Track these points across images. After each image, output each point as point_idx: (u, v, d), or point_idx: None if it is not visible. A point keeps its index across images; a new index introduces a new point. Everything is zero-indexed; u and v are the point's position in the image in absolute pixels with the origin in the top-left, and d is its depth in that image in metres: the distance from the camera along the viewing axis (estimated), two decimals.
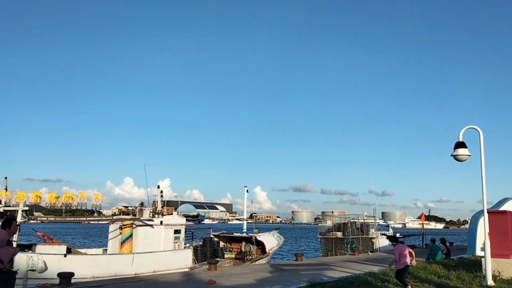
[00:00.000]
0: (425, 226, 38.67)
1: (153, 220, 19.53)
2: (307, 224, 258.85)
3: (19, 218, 16.11)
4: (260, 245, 26.21)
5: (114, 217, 24.88)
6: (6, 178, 18.26)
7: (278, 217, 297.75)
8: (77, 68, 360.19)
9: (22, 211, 16.29)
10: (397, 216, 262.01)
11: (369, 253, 31.36)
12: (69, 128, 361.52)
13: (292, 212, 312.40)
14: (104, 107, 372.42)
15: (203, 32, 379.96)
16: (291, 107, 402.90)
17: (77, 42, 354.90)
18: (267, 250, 25.95)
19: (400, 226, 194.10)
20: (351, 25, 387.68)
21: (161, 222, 19.67)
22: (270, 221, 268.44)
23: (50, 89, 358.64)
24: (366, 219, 39.25)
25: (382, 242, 36.06)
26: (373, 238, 36.18)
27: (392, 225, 71.74)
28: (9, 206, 18.89)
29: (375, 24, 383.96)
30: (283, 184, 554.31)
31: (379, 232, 38.95)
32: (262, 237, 26.81)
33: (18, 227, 15.84)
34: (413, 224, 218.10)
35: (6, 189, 18.22)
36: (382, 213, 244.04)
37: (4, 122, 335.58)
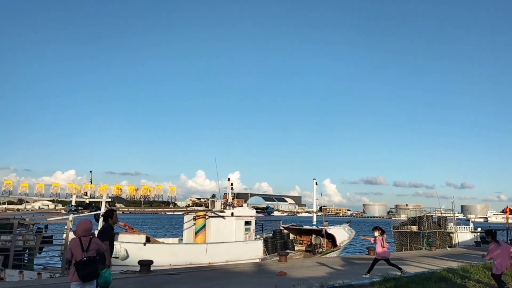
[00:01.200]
0: (510, 221, 35.81)
1: (224, 212, 20.05)
2: (379, 217, 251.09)
3: (103, 209, 17.37)
4: (331, 238, 25.89)
5: (188, 209, 25.91)
6: (91, 172, 19.78)
7: (348, 210, 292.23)
8: (159, 70, 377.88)
9: (106, 202, 17.53)
10: (478, 210, 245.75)
11: (447, 248, 29.78)
12: (146, 126, 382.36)
13: (363, 205, 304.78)
14: (177, 108, 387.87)
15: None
16: (359, 101, 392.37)
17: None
18: (338, 243, 25.57)
19: (482, 220, 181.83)
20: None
21: (232, 213, 20.13)
22: (340, 214, 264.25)
23: (134, 91, 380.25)
24: (443, 213, 37.20)
25: (461, 236, 34.03)
26: (452, 232, 34.25)
27: (472, 219, 67.31)
28: (94, 197, 20.42)
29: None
30: (353, 177, 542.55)
31: (458, 226, 36.78)
32: (332, 230, 26.47)
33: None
34: (496, 218, 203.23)
35: (91, 182, 19.76)
36: (462, 206, 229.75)
37: (90, 121, 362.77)
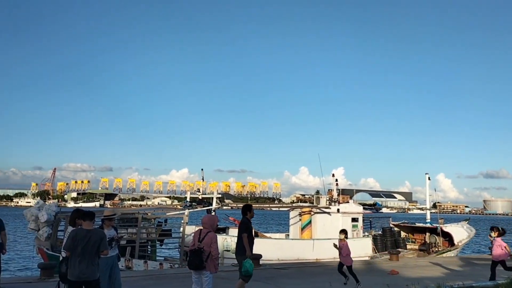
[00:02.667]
0: None
1: (330, 208, 19.86)
2: (504, 214, 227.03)
3: (214, 205, 18.40)
4: (447, 236, 24.09)
5: (294, 204, 26.16)
6: (202, 170, 21.04)
7: (466, 206, 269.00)
8: (263, 66, 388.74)
9: (217, 198, 18.52)
10: None
11: None
12: (251, 124, 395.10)
13: (484, 201, 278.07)
14: (280, 105, 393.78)
15: None
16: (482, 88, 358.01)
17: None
18: (455, 242, 23.69)
19: None
20: None
21: (338, 210, 19.85)
22: (458, 211, 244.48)
23: (243, 90, 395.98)
24: None
25: None
26: None
27: None
28: (206, 194, 21.73)
29: None
30: (471, 171, 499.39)
31: None
32: (449, 228, 24.60)
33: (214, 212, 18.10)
34: None
35: (203, 179, 21.02)
36: None
37: (200, 122, 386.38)
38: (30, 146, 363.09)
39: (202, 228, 8.08)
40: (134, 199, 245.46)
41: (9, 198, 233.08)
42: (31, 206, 19.67)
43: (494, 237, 12.32)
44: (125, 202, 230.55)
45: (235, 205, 20.32)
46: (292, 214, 21.47)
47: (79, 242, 6.57)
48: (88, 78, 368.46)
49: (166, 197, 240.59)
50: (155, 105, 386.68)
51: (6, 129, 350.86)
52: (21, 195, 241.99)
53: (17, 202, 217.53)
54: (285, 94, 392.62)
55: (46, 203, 18.31)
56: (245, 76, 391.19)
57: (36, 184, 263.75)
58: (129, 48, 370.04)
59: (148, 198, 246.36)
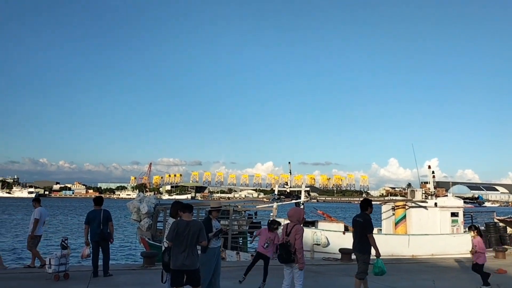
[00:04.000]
0: None
1: (426, 202, 18.74)
2: None
3: (303, 198, 18.31)
4: None
5: (386, 198, 25.15)
6: (289, 163, 21.07)
7: None
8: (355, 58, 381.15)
9: (305, 191, 18.41)
10: None
11: None
12: (334, 116, 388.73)
13: None
14: (366, 96, 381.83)
15: None
16: None
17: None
18: None
19: None
20: None
21: (435, 204, 18.66)
22: None
23: (333, 82, 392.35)
24: None
25: None
26: None
27: None
28: (293, 187, 21.71)
29: None
30: None
31: None
32: None
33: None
34: None
35: (290, 172, 21.06)
36: None
37: (282, 115, 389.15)
38: (129, 143, 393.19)
39: (289, 222, 8.09)
40: (222, 192, 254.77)
41: (112, 191, 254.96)
42: (131, 198, 21.19)
43: (473, 237, 10.89)
44: (214, 195, 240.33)
45: (323, 198, 20.16)
46: (384, 208, 20.64)
47: (180, 233, 6.89)
48: (176, 77, 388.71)
49: (252, 189, 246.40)
50: (240, 101, 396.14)
51: (109, 129, 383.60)
52: (122, 188, 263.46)
53: (119, 195, 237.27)
54: (373, 84, 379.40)
55: (146, 195, 19.62)
56: (333, 72, 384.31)
57: (135, 178, 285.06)
58: (214, 45, 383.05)
59: (235, 191, 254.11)
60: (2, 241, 30.69)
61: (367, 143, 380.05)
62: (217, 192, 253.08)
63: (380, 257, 8.48)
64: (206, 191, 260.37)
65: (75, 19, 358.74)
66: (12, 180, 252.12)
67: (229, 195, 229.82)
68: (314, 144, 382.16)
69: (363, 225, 8.58)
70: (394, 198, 23.15)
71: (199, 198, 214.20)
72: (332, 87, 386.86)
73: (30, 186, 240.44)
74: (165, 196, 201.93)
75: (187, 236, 6.88)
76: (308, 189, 19.80)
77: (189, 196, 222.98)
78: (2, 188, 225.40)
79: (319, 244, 16.93)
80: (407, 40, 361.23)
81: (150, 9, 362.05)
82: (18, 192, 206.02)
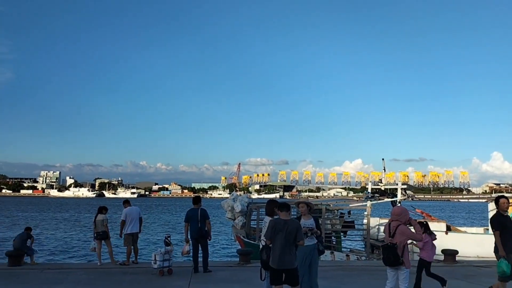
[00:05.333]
0: None
1: None
2: None
3: (399, 196, 17.45)
4: None
5: (493, 195, 23.05)
6: (383, 159, 20.21)
7: None
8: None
9: (401, 189, 17.52)
10: None
11: None
12: (428, 110, 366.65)
13: None
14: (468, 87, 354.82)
15: None
16: None
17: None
18: None
19: None
20: None
21: None
22: None
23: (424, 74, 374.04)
24: None
25: None
26: None
27: None
28: (388, 185, 20.77)
29: None
30: None
31: None
32: None
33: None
34: None
35: (384, 170, 20.19)
36: None
37: (372, 113, 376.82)
38: (219, 144, 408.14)
39: (391, 221, 7.68)
40: (311, 191, 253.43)
41: (204, 190, 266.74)
42: (222, 197, 21.88)
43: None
44: (302, 194, 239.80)
45: (421, 196, 19.01)
46: (491, 206, 18.86)
47: (278, 232, 6.90)
48: (263, 79, 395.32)
49: (341, 188, 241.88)
50: (324, 98, 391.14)
51: (200, 132, 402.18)
52: (214, 188, 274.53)
53: (211, 194, 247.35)
54: (470, 72, 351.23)
55: (238, 194, 20.16)
56: (425, 65, 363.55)
57: (225, 178, 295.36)
58: (296, 44, 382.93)
59: (323, 189, 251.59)
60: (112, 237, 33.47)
61: (466, 136, 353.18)
62: (305, 191, 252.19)
63: (504, 258, 7.78)
64: (294, 190, 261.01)
65: (159, 21, 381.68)
66: (117, 182, 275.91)
67: (317, 194, 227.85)
68: (407, 140, 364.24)
69: (490, 222, 8.11)
70: (506, 194, 21.06)
71: (287, 197, 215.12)
72: (420, 78, 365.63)
73: (133, 187, 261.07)
74: (254, 195, 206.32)
75: (284, 235, 6.87)
76: (404, 186, 18.81)
77: (277, 195, 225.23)
78: (109, 189, 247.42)
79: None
80: None
81: (235, 12, 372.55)
82: (122, 193, 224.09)
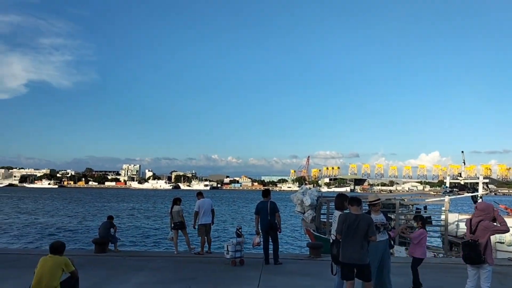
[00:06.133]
0: None
1: None
2: None
3: (480, 191, 16.32)
4: None
5: None
6: (462, 152, 19.04)
7: None
8: None
9: (483, 183, 16.38)
10: None
11: None
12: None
13: None
14: None
15: None
16: None
17: None
18: None
19: None
20: None
21: None
22: None
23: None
24: None
25: None
26: None
27: None
28: (468, 178, 19.50)
29: None
30: None
31: None
32: None
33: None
34: None
35: (464, 163, 18.98)
36: None
37: (455, 103, 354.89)
38: (288, 138, 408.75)
39: (473, 217, 7.22)
40: (383, 184, 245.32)
41: (274, 183, 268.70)
42: (292, 190, 21.92)
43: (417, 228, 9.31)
44: (374, 188, 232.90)
45: (507, 190, 17.54)
46: None
47: (349, 226, 6.79)
48: (333, 71, 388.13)
49: (416, 182, 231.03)
50: (397, 91, 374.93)
51: (269, 125, 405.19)
52: (283, 181, 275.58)
53: (280, 187, 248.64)
54: None
55: (308, 188, 20.06)
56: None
57: (294, 171, 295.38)
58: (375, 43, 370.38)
59: (397, 183, 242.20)
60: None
61: None
62: (377, 185, 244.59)
63: None
64: (366, 183, 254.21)
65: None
66: (191, 175, 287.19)
67: (391, 188, 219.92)
68: (488, 131, 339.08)
69: None
70: None
71: (359, 191, 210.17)
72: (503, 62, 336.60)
73: (205, 180, 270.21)
74: (324, 189, 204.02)
75: (356, 230, 6.74)
76: (486, 180, 17.55)
77: (348, 188, 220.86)
78: (184, 182, 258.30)
79: (503, 243, 14.94)
80: None
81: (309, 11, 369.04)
82: (196, 185, 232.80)
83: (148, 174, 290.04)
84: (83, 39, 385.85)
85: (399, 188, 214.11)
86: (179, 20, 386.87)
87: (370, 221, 6.91)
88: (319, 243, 14.12)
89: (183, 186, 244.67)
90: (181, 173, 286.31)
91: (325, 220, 18.05)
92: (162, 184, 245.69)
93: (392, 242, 8.10)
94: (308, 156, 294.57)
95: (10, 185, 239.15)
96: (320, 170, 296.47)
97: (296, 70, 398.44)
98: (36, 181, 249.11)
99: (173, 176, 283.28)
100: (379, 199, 8.01)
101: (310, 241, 17.14)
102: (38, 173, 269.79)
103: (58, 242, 6.93)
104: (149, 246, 27.09)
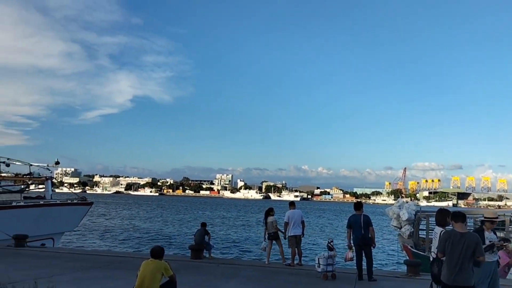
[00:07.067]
0: None
1: None
2: None
3: None
4: None
5: None
6: None
7: None
8: None
9: None
10: None
11: None
12: None
13: None
14: None
15: None
16: None
17: None
18: None
19: None
20: None
21: None
22: None
23: None
24: None
25: None
26: None
27: None
28: None
29: None
30: None
31: None
32: None
33: None
34: None
35: None
36: None
37: None
38: (381, 148, 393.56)
39: None
40: (491, 199, 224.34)
41: (367, 196, 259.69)
42: (386, 204, 20.92)
43: None
44: (480, 202, 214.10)
45: None
46: None
47: (454, 245, 6.23)
48: (435, 78, 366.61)
49: None
50: (507, 93, 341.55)
51: (362, 135, 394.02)
52: (377, 193, 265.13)
53: (374, 200, 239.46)
54: None
55: (405, 201, 18.99)
56: None
57: (389, 183, 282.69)
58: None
59: (507, 198, 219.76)
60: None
61: None
62: (484, 199, 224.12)
63: None
64: (470, 198, 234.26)
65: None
66: (281, 185, 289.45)
67: (499, 203, 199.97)
68: None
69: None
70: None
71: (462, 206, 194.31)
72: None
73: (295, 190, 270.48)
74: (423, 203, 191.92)
75: (461, 249, 6.16)
76: None
77: (450, 203, 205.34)
78: (274, 192, 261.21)
79: None
80: None
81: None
82: (286, 196, 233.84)
83: (240, 184, 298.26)
84: (182, 55, 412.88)
85: (509, 203, 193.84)
86: (274, 40, 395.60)
87: (477, 240, 6.27)
88: (417, 260, 13.23)
89: (273, 196, 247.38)
90: (272, 183, 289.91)
91: (424, 236, 16.91)
92: (253, 194, 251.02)
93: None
94: (405, 168, 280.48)
95: (117, 192, 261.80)
96: (418, 183, 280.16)
97: (389, 75, 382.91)
98: (139, 189, 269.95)
99: (263, 186, 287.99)
100: (497, 217, 7.27)
101: (408, 258, 16.14)
102: (141, 182, 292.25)
103: (158, 247, 7.34)
104: (240, 254, 27.68)
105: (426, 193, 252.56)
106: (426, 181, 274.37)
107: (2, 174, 24.77)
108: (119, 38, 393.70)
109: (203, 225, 14.31)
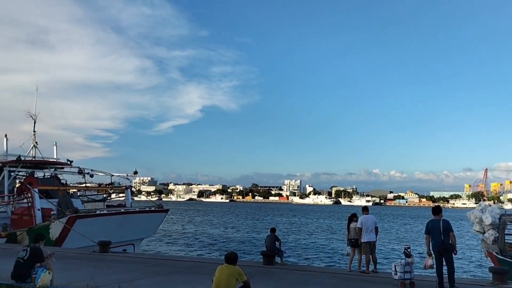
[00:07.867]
0: None
1: None
2: None
3: None
4: None
5: None
6: None
7: None
8: None
9: None
10: None
11: None
12: None
13: None
14: None
15: None
16: None
17: None
18: None
19: None
20: None
21: None
22: None
23: None
24: None
25: None
26: None
27: None
28: None
29: None
30: None
31: None
32: None
33: None
34: None
35: None
36: None
37: None
38: (460, 148, 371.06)
39: None
40: None
41: (445, 199, 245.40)
42: (466, 208, 19.68)
43: None
44: None
45: None
46: None
47: None
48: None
49: None
50: None
51: (437, 136, 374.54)
52: (456, 197, 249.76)
53: (453, 204, 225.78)
54: None
55: (487, 205, 17.75)
56: None
57: (469, 186, 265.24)
58: None
59: None
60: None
61: None
62: None
63: None
64: None
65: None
66: (351, 190, 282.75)
67: None
68: None
69: None
70: None
71: None
72: None
73: (367, 195, 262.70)
74: (508, 206, 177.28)
75: None
76: None
77: None
78: (344, 197, 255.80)
79: None
80: None
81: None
82: (357, 201, 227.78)
83: (309, 189, 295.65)
84: (247, 64, 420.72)
85: None
86: (338, 43, 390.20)
87: None
88: (504, 268, 12.27)
89: (343, 201, 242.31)
90: (341, 188, 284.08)
91: (511, 241, 15.64)
92: (322, 199, 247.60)
93: None
94: (486, 169, 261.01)
95: (190, 199, 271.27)
96: (501, 185, 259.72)
97: (470, 74, 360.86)
98: (211, 196, 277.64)
99: (333, 191, 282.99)
100: None
101: (493, 265, 15.02)
102: (212, 189, 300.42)
103: (233, 253, 7.52)
104: (312, 260, 27.41)
105: (510, 196, 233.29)
106: (511, 182, 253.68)
107: (87, 185, 26.78)
108: (187, 51, 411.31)
109: (273, 230, 14.34)
